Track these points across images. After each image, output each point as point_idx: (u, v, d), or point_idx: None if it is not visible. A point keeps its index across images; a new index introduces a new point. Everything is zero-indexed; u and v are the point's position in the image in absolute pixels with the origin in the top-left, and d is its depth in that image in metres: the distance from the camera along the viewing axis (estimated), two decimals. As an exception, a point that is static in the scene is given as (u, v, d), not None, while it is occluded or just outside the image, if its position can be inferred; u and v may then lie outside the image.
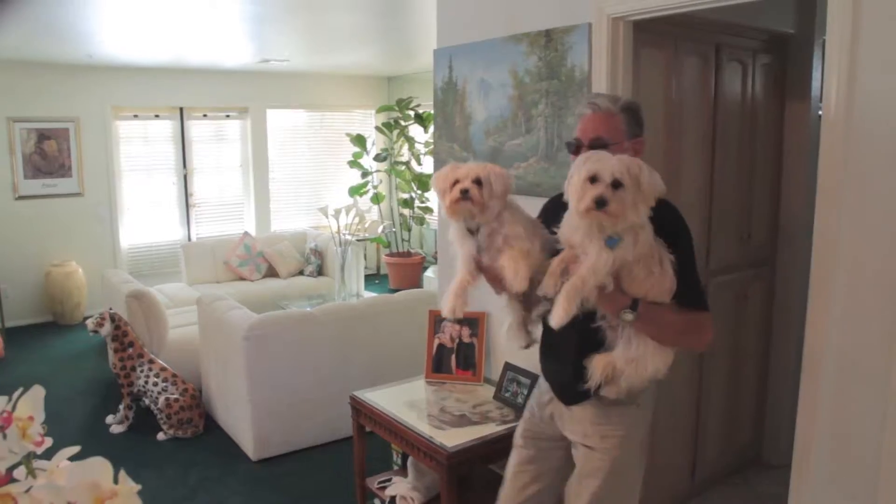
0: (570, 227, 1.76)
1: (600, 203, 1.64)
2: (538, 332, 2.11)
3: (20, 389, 0.96)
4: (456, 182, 1.85)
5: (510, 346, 2.14)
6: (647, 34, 2.77)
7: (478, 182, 1.83)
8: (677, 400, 3.23)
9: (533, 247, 1.83)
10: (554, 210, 1.94)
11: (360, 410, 3.14)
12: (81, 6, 4.46)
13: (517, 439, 2.27)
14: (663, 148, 3.00)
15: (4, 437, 0.91)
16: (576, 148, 1.98)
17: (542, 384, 2.23)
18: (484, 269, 1.91)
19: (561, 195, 1.84)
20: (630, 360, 1.82)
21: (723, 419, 3.51)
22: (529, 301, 2.02)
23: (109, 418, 4.59)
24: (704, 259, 3.28)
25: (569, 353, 2.01)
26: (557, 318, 1.69)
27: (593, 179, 1.68)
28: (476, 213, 1.85)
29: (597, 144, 1.91)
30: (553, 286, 1.75)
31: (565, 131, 2.84)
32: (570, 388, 2.03)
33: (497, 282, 1.90)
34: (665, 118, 2.99)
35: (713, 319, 1.96)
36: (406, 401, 3.11)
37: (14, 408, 0.95)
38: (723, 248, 3.34)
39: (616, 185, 1.65)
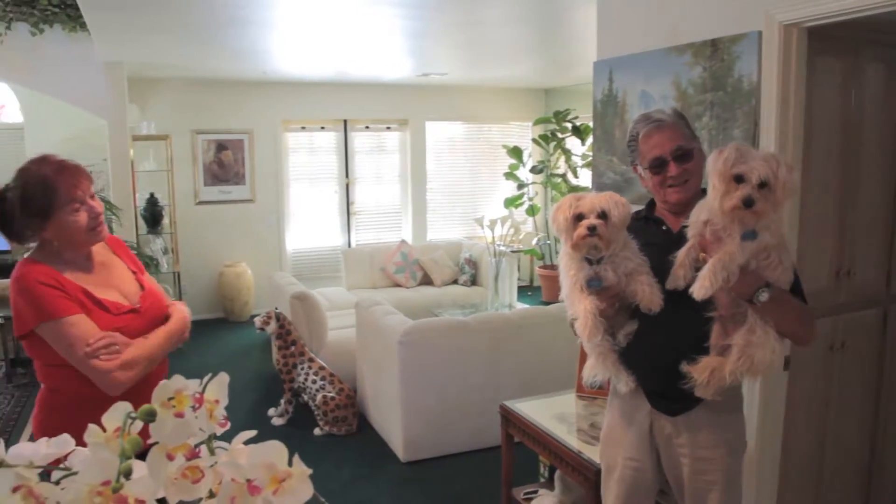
0: (699, 217, 1.86)
1: (748, 203, 1.71)
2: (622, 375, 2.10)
3: (209, 374, 1.07)
4: (579, 216, 1.88)
5: (591, 383, 2.15)
6: (823, 41, 2.63)
7: (602, 216, 1.87)
8: (848, 437, 3.03)
9: (649, 268, 1.96)
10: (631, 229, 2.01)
11: (510, 420, 3.18)
12: (262, 29, 4.82)
13: (616, 468, 2.21)
14: (838, 164, 2.83)
15: (196, 416, 1.02)
16: (657, 166, 2.03)
17: (632, 399, 2.15)
18: (605, 291, 1.94)
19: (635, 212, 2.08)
20: (753, 344, 1.84)
21: (902, 458, 3.25)
22: (615, 325, 2.05)
23: (271, 411, 4.90)
24: (885, 282, 3.06)
25: (679, 360, 1.97)
26: (703, 290, 1.76)
27: (738, 178, 1.74)
28: (602, 248, 1.90)
29: (681, 153, 2.00)
30: (684, 276, 1.85)
31: (730, 144, 2.76)
32: (680, 397, 2.01)
33: (610, 304, 1.96)
34: (842, 132, 2.82)
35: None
36: (556, 413, 3.11)
37: (204, 390, 1.06)
38: (906, 272, 3.10)
39: (762, 185, 1.71)
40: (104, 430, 1.00)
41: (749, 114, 2.65)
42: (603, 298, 1.94)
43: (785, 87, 2.55)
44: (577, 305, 1.94)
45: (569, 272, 1.97)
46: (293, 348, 4.76)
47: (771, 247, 1.78)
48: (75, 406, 1.93)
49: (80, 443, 0.97)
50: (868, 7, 2.25)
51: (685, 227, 1.91)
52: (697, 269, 1.81)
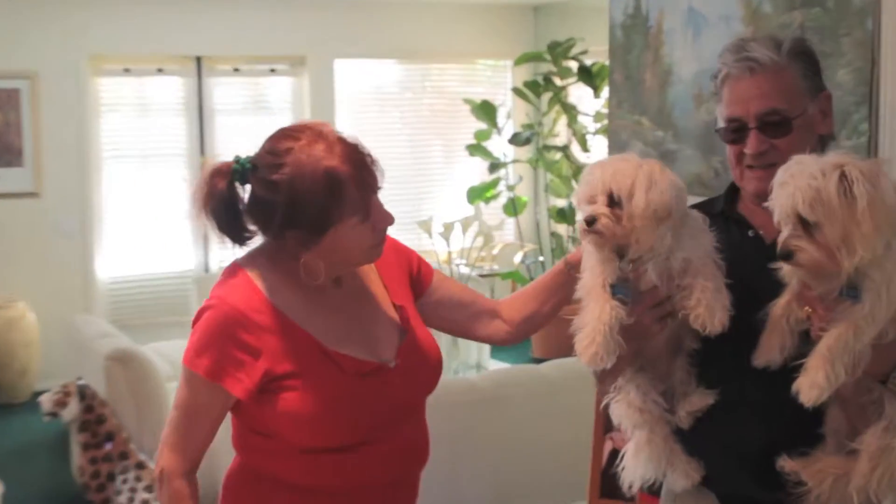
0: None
1: (785, 255, 1.82)
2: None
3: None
4: (590, 199, 1.99)
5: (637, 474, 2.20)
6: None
7: (613, 201, 1.95)
8: None
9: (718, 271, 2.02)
10: None
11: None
12: None
13: None
14: None
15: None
16: (734, 131, 2.11)
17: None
18: (640, 302, 2.02)
19: (704, 203, 2.29)
20: (893, 451, 1.88)
21: None
22: (673, 384, 2.13)
23: (73, 555, 4.87)
24: None
25: (774, 451, 2.02)
26: (816, 392, 1.80)
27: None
28: (624, 247, 1.99)
29: (772, 121, 2.06)
30: (780, 349, 1.91)
31: (835, 94, 2.84)
32: None
33: (651, 320, 2.04)
34: None
35: None
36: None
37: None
38: None
39: (805, 223, 1.79)
40: None
41: (864, 44, 2.76)
42: (637, 310, 2.02)
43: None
44: (590, 309, 2.01)
45: (589, 263, 2.07)
46: (109, 446, 4.73)
47: None
48: (285, 497, 2.10)
49: None
50: None
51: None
52: (805, 335, 1.89)
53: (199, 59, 8.30)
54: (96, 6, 7.87)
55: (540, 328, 2.55)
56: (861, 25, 2.77)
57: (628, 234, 1.96)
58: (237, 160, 2.04)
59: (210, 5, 8.18)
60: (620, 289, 2.00)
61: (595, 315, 1.98)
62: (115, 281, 8.19)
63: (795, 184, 1.79)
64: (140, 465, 4.75)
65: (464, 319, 2.35)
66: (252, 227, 2.07)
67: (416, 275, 2.32)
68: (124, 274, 8.23)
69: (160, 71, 8.25)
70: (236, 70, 8.47)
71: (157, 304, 8.29)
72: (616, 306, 1.97)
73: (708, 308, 1.94)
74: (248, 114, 8.59)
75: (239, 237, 2.08)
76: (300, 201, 1.96)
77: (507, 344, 2.47)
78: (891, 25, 2.70)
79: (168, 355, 6.77)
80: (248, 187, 2.04)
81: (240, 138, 8.42)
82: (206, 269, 8.30)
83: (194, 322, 2.04)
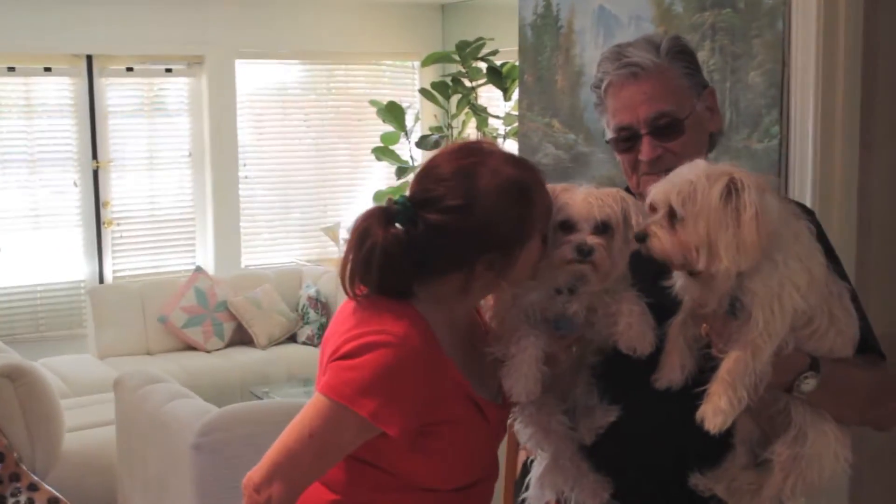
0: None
1: (640, 237, 1.88)
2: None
3: None
4: (565, 226, 1.95)
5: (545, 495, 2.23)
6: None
7: (604, 228, 1.93)
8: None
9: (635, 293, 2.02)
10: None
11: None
12: None
13: None
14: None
15: None
16: (626, 140, 2.15)
17: None
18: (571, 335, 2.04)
19: None
20: (804, 458, 1.93)
21: None
22: (574, 402, 2.14)
23: (-39, 583, 4.78)
24: None
25: (684, 466, 2.06)
26: (721, 418, 1.82)
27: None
28: (594, 280, 1.96)
29: (663, 124, 2.10)
30: (681, 367, 1.94)
31: (746, 97, 2.91)
32: None
33: (558, 354, 2.03)
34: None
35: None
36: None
37: None
38: None
39: (673, 216, 1.83)
40: None
41: (774, 45, 2.82)
42: (563, 343, 2.03)
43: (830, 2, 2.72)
44: (512, 342, 1.99)
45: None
46: (-1, 466, 4.68)
47: (813, 309, 1.88)
48: None
49: None
50: None
51: None
52: (704, 351, 1.92)
53: (89, 58, 8.17)
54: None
55: None
56: (771, 26, 2.83)
57: (611, 267, 1.94)
58: (395, 201, 1.94)
59: (102, 1, 8.06)
60: (563, 324, 2.00)
61: (519, 348, 1.97)
62: (2, 292, 8.02)
63: (679, 178, 1.83)
64: (33, 487, 4.67)
65: None
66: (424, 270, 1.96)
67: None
68: (12, 284, 8.05)
69: (48, 70, 8.10)
70: (130, 70, 8.35)
71: (48, 316, 8.16)
72: (538, 336, 1.96)
73: (638, 332, 1.94)
74: (142, 115, 8.47)
75: (407, 287, 1.97)
76: (495, 218, 1.89)
77: None
78: (801, 26, 2.76)
79: (61, 370, 6.71)
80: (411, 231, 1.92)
81: (134, 141, 8.37)
82: (101, 280, 8.19)
83: (351, 352, 1.92)
